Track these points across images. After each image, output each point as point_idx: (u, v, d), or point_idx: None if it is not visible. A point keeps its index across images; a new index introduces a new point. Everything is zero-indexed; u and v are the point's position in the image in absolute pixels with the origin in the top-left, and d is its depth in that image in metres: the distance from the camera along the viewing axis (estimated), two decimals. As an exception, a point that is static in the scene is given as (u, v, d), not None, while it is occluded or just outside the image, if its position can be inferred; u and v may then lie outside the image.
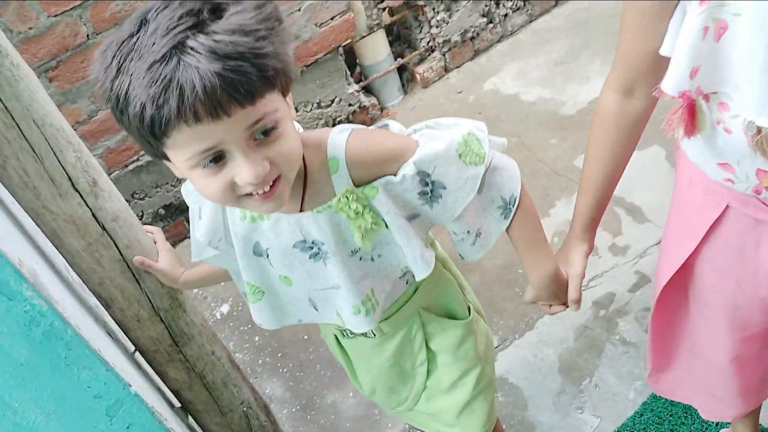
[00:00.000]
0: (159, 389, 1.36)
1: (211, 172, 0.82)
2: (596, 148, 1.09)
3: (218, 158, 0.81)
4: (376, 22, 2.71)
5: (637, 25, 0.93)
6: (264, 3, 0.80)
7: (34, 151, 1.03)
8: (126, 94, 0.76)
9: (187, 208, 2.36)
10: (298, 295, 1.09)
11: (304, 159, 0.93)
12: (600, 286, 2.04)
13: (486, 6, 2.97)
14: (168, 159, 0.85)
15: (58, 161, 1.06)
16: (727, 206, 1.02)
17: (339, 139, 0.95)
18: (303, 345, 2.20)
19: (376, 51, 2.78)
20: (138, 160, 2.42)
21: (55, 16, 2.09)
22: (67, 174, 1.08)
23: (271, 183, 0.84)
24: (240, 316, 2.36)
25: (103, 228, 1.15)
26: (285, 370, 2.15)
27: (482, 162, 1.00)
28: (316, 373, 2.10)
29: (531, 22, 3.16)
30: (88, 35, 2.16)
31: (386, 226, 0.98)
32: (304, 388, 2.07)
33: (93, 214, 1.13)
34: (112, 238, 1.17)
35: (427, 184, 0.98)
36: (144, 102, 0.75)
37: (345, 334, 1.21)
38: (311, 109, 2.70)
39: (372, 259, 1.04)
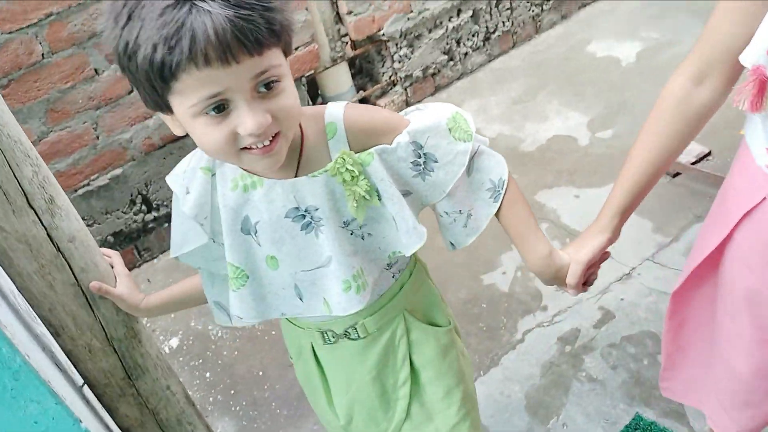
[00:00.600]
0: (108, 427, 1.26)
1: (214, 121, 0.83)
2: (651, 131, 1.06)
3: (221, 107, 0.82)
4: (340, 54, 2.70)
5: (729, 17, 0.93)
6: None
7: (-13, 163, 0.95)
8: (136, 38, 0.78)
9: (137, 236, 2.26)
10: (283, 280, 1.04)
11: (300, 127, 0.95)
12: (564, 322, 2.03)
13: (447, 44, 2.99)
14: (170, 110, 0.85)
15: (14, 175, 0.99)
16: (765, 198, 0.98)
17: (336, 107, 0.98)
18: (257, 382, 2.10)
19: (339, 83, 2.76)
20: (88, 184, 2.32)
21: (10, 33, 2.00)
22: (23, 189, 1.00)
23: (271, 138, 0.85)
24: (190, 350, 2.26)
25: (58, 249, 1.07)
26: (238, 408, 2.05)
27: (470, 139, 1.03)
28: (271, 411, 2.01)
29: (490, 61, 3.20)
30: (43, 54, 2.08)
31: (378, 198, 0.99)
32: (259, 428, 1.97)
33: (48, 234, 1.05)
34: (66, 260, 1.09)
35: (419, 156, 1.01)
36: (156, 43, 0.76)
37: (326, 338, 1.14)
38: (271, 139, 2.65)
39: (362, 238, 1.03)
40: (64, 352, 1.17)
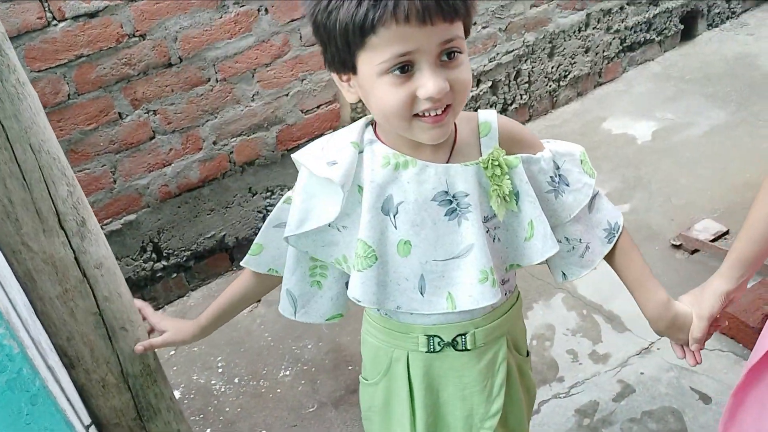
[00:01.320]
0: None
1: (398, 80, 0.88)
2: None
3: (405, 68, 0.87)
4: (361, 115, 2.72)
5: None
6: None
7: (24, 179, 0.93)
8: None
9: (145, 284, 2.22)
10: (411, 269, 1.04)
11: (455, 123, 1.00)
12: (582, 394, 1.96)
13: (465, 112, 3.02)
14: (353, 70, 0.91)
15: (49, 193, 0.96)
16: None
17: (489, 112, 1.05)
18: (260, 440, 2.02)
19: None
20: (102, 228, 2.28)
21: (39, 71, 2.02)
22: (56, 209, 0.97)
23: (443, 109, 0.90)
24: (191, 405, 2.17)
25: (84, 274, 1.03)
26: (238, 467, 1.96)
27: (594, 176, 1.12)
28: (273, 472, 1.92)
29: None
30: (69, 95, 2.09)
31: (516, 203, 1.04)
32: (259, 489, 1.88)
33: (75, 257, 1.01)
34: (91, 287, 1.05)
35: (555, 175, 1.08)
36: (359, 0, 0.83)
37: (431, 344, 1.12)
38: (287, 194, 2.64)
39: (493, 240, 1.07)
40: (77, 387, 1.11)
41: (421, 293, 1.05)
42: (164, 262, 2.45)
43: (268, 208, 2.61)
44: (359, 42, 0.86)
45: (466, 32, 0.92)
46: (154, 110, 2.24)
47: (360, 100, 0.98)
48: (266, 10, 2.33)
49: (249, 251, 1.17)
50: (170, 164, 2.34)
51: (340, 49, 0.89)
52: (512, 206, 1.04)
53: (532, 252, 1.07)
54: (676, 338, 1.18)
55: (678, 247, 2.44)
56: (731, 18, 3.85)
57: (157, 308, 2.49)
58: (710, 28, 3.79)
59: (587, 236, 1.12)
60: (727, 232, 2.46)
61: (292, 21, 2.39)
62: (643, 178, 2.82)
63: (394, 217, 1.01)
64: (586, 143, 3.21)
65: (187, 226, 2.46)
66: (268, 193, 2.60)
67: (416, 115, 0.91)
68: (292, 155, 1.07)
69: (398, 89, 0.88)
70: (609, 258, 1.16)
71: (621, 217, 1.15)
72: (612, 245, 1.13)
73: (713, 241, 2.43)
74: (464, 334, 1.11)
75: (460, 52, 0.90)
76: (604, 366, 2.04)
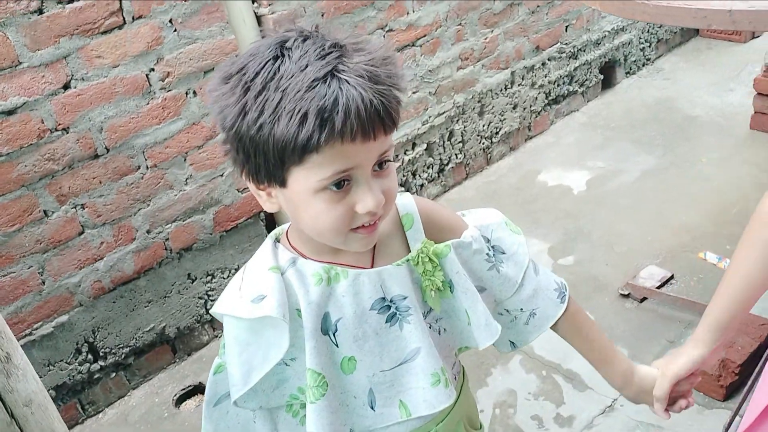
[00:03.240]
0: None
1: (335, 197, 0.84)
2: (747, 249, 1.05)
3: (341, 184, 0.84)
4: (298, 188, 2.67)
5: None
6: (390, 51, 0.86)
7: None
8: (276, 107, 0.78)
9: (82, 388, 2.07)
10: (358, 385, 0.99)
11: None
12: (552, 462, 1.91)
13: (404, 176, 3.02)
14: (281, 184, 0.85)
15: (-33, 332, 0.86)
16: None
17: (406, 199, 1.01)
18: None
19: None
20: (30, 334, 2.14)
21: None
22: (-24, 348, 0.88)
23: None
24: None
25: (12, 415, 0.93)
26: None
27: (521, 233, 1.09)
28: None
29: (445, 192, 3.24)
30: None
31: (451, 291, 1.00)
32: None
33: (1, 398, 0.91)
34: (20, 428, 0.94)
35: (489, 249, 1.04)
36: (307, 113, 0.77)
37: None
38: (228, 276, 2.54)
39: (438, 333, 1.03)
40: None
41: (372, 408, 0.99)
42: (101, 362, 2.31)
43: (210, 293, 2.51)
44: (297, 159, 0.81)
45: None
46: (82, 204, 2.14)
47: (279, 210, 0.91)
48: (194, 92, 2.28)
49: None
50: (102, 258, 2.22)
51: (270, 163, 0.83)
52: (447, 295, 1.01)
53: (472, 337, 1.05)
54: (648, 402, 1.18)
55: (626, 296, 2.46)
56: (647, 65, 4.02)
57: (96, 412, 2.33)
58: (628, 75, 3.94)
59: (533, 302, 1.10)
60: (672, 277, 2.49)
61: (221, 101, 2.34)
62: (583, 228, 2.85)
63: (334, 335, 0.95)
64: (524, 197, 3.25)
65: (124, 322, 2.33)
66: (209, 278, 2.50)
67: (351, 228, 0.88)
68: (210, 311, 1.00)
69: (335, 205, 0.85)
70: (564, 333, 1.14)
71: (563, 279, 1.14)
72: (565, 305, 1.11)
73: (660, 287, 2.45)
74: None
75: (390, 161, 0.88)
76: (570, 429, 2.00)
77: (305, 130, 0.78)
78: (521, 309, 1.09)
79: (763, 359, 2.06)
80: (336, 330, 0.95)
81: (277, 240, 0.98)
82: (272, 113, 0.78)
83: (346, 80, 0.79)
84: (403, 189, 3.03)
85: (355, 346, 0.96)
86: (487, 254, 1.04)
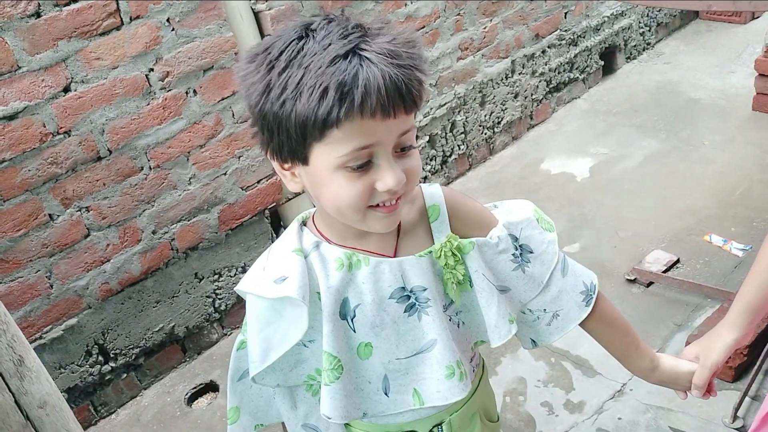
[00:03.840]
0: None
1: (354, 175, 0.85)
2: None
3: (363, 164, 0.84)
4: (302, 184, 2.67)
5: None
6: (414, 35, 0.87)
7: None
8: (299, 83, 0.79)
9: (94, 390, 2.08)
10: (373, 371, 1.00)
11: None
12: (563, 449, 1.91)
13: (406, 168, 3.01)
14: (303, 161, 0.86)
15: (-22, 335, 0.87)
16: None
17: (434, 189, 1.01)
18: None
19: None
20: (41, 337, 2.15)
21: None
22: (-12, 351, 0.88)
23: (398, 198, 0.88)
24: None
25: (27, 417, 0.93)
26: None
27: (554, 230, 1.07)
28: None
29: (449, 183, 3.23)
30: (-8, 201, 1.97)
31: (470, 285, 1.00)
32: None
33: (16, 401, 0.92)
34: (36, 431, 0.95)
35: (516, 248, 1.02)
36: (327, 88, 0.78)
37: None
38: (235, 274, 2.55)
39: (458, 326, 1.03)
40: None
41: (386, 394, 1.01)
42: (112, 364, 2.32)
43: (217, 291, 2.51)
44: (318, 134, 0.82)
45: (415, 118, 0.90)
46: (86, 207, 2.14)
47: (302, 191, 0.93)
48: (194, 91, 2.28)
49: (228, 420, 1.08)
50: (109, 260, 2.23)
51: (293, 140, 0.84)
52: (466, 288, 1.01)
53: (490, 334, 1.04)
54: (672, 387, 1.19)
55: (633, 281, 2.45)
56: (647, 49, 4.00)
57: (109, 413, 2.34)
58: (629, 60, 3.93)
59: (556, 304, 1.07)
60: (678, 261, 2.49)
61: (222, 99, 2.34)
62: (588, 215, 2.85)
63: (352, 320, 0.96)
64: (528, 186, 3.25)
65: (133, 323, 2.34)
66: (216, 276, 2.51)
67: (370, 206, 0.88)
68: (234, 288, 1.01)
69: (356, 182, 0.85)
70: (589, 329, 1.11)
71: (595, 276, 1.11)
72: (590, 308, 1.08)
73: (666, 271, 2.45)
74: (440, 424, 1.08)
75: (412, 145, 0.88)
76: (580, 415, 2.01)
77: (325, 104, 0.78)
78: (544, 310, 1.07)
79: (771, 340, 2.06)
80: (354, 315, 0.96)
81: (304, 223, 1.00)
82: (294, 89, 0.80)
83: (368, 58, 0.79)
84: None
85: (372, 333, 0.97)
86: (513, 254, 1.02)
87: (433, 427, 1.07)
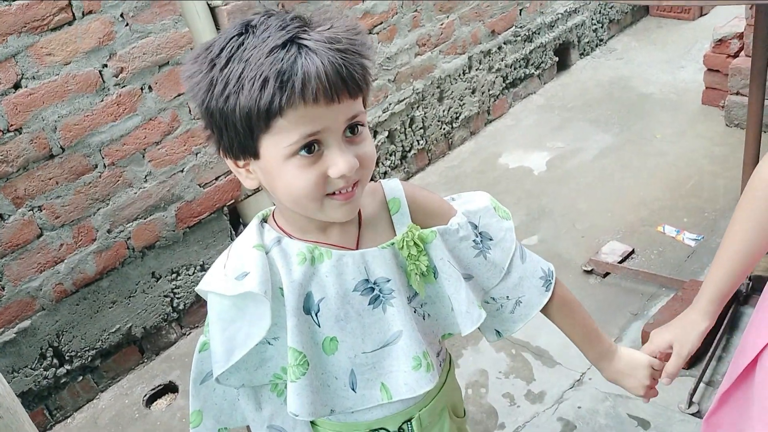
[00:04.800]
0: None
1: (306, 162, 0.84)
2: (744, 217, 1.06)
3: (312, 148, 0.84)
4: (261, 181, 2.65)
5: None
6: (356, 23, 0.88)
7: None
8: (239, 77, 0.80)
9: (48, 394, 2.03)
10: (339, 366, 0.99)
11: None
12: (525, 438, 1.94)
13: (366, 164, 3.01)
14: (254, 155, 0.86)
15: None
16: None
17: (393, 183, 1.02)
18: None
19: (261, 210, 2.69)
20: (-8, 341, 2.09)
21: None
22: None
23: (353, 184, 0.88)
24: None
25: (-19, 420, 0.91)
26: None
27: (510, 218, 1.09)
28: None
29: (408, 178, 3.25)
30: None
31: (435, 276, 1.01)
32: None
33: (-32, 403, 0.89)
34: (-10, 433, 0.92)
35: (477, 236, 1.04)
36: (267, 79, 0.79)
37: None
38: (194, 272, 2.51)
39: (423, 318, 1.03)
40: None
41: (353, 389, 1.00)
42: (67, 366, 2.26)
43: (175, 291, 2.48)
44: (263, 126, 0.82)
45: (365, 104, 0.90)
46: (39, 206, 2.09)
47: (259, 188, 0.92)
48: (150, 87, 2.24)
49: (191, 423, 1.06)
50: (63, 260, 2.18)
51: (241, 134, 0.84)
52: (431, 281, 1.02)
53: (460, 322, 1.04)
54: (626, 384, 1.19)
55: (590, 272, 2.50)
56: (600, 45, 4.08)
57: (65, 417, 2.29)
58: (582, 56, 4.00)
59: (518, 291, 1.09)
60: (633, 251, 2.55)
61: (178, 95, 2.31)
62: (545, 207, 2.89)
63: (316, 315, 0.95)
64: (487, 180, 3.28)
65: (89, 324, 2.29)
66: (174, 275, 2.47)
67: (328, 194, 0.88)
68: (195, 288, 1.00)
69: (308, 170, 0.85)
70: (550, 314, 1.14)
71: (551, 264, 1.14)
72: (551, 293, 1.10)
73: (621, 262, 2.50)
74: (410, 420, 1.07)
75: (363, 125, 0.88)
76: (541, 405, 2.04)
77: (266, 94, 0.79)
78: (507, 297, 1.09)
79: (722, 327, 2.12)
80: (318, 310, 0.95)
81: (264, 220, 0.99)
82: (236, 83, 0.80)
83: (306, 45, 0.80)
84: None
85: (337, 327, 0.96)
86: (474, 241, 1.04)
87: (403, 423, 1.07)
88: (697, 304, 1.15)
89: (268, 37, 0.81)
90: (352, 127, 0.87)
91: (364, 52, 0.85)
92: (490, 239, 1.06)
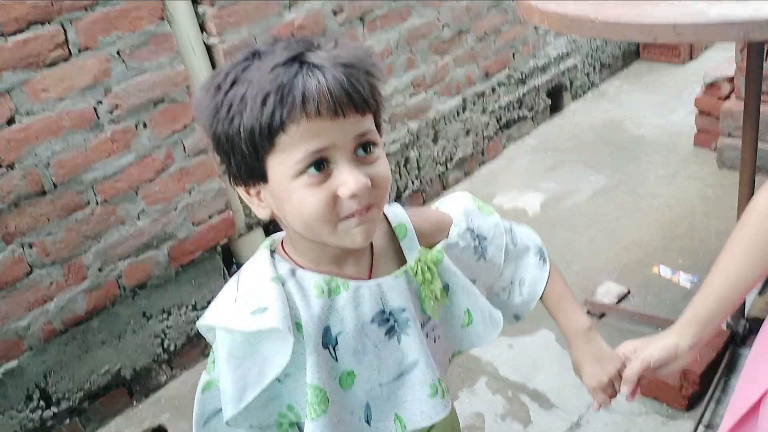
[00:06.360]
0: None
1: (315, 180, 0.82)
2: (737, 246, 1.05)
3: (322, 165, 0.82)
4: (255, 220, 2.63)
5: None
6: (364, 47, 0.88)
7: None
8: (243, 96, 0.79)
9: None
10: (355, 400, 0.96)
11: None
12: (523, 483, 1.89)
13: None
14: (263, 179, 0.85)
15: None
16: None
17: (397, 209, 1.01)
18: None
19: (255, 249, 2.65)
20: (-23, 381, 2.03)
21: None
22: None
23: (367, 207, 0.84)
24: None
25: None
26: None
27: (493, 212, 1.10)
28: None
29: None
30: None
31: (447, 296, 1.01)
32: None
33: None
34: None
35: (475, 239, 1.05)
36: (267, 94, 0.78)
37: None
38: (185, 312, 2.47)
39: (434, 341, 1.02)
40: None
41: (368, 422, 0.97)
42: (54, 409, 2.21)
43: (166, 331, 2.44)
44: (267, 145, 0.80)
45: (378, 128, 0.88)
46: (29, 243, 2.06)
47: (272, 219, 0.90)
48: (144, 124, 2.24)
49: None
50: (52, 299, 2.14)
51: (247, 157, 0.82)
52: (444, 302, 1.02)
53: (473, 337, 1.07)
54: (588, 371, 1.14)
55: (586, 313, 2.47)
56: (592, 88, 4.13)
57: (49, 461, 2.22)
58: (575, 99, 4.04)
59: (519, 273, 1.13)
60: (628, 292, 2.53)
61: (173, 133, 2.31)
62: (540, 248, 2.87)
63: (334, 349, 0.92)
64: (480, 220, 3.26)
65: (77, 365, 2.24)
66: (165, 315, 2.43)
67: (343, 217, 0.85)
68: (198, 324, 0.94)
69: (317, 190, 0.82)
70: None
71: (535, 235, 1.17)
72: (548, 266, 1.13)
73: (617, 303, 2.48)
74: None
75: (375, 145, 0.85)
76: (539, 448, 1.99)
77: (267, 109, 0.78)
78: (511, 282, 1.12)
79: (721, 368, 2.09)
80: (336, 344, 0.92)
81: (273, 250, 0.95)
82: (239, 103, 0.79)
83: (309, 62, 0.79)
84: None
85: (355, 360, 0.94)
86: (474, 247, 1.05)
87: None
88: (673, 325, 1.13)
89: (273, 57, 0.80)
90: (365, 146, 0.84)
91: (371, 70, 0.84)
92: (485, 238, 1.07)
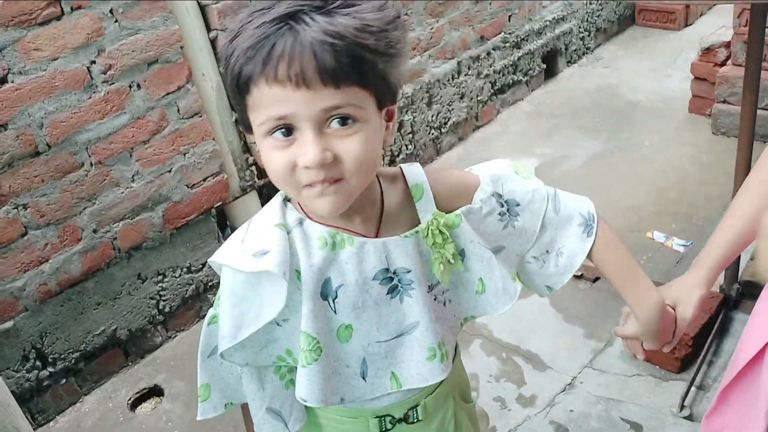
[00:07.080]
0: None
1: (279, 144, 0.81)
2: (758, 180, 1.04)
3: (289, 131, 0.80)
4: (249, 183, 2.62)
5: None
6: (389, 6, 0.81)
7: None
8: (233, 48, 0.79)
9: (31, 396, 1.96)
10: (352, 354, 0.97)
11: (381, 187, 0.95)
12: (517, 442, 1.92)
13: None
14: (250, 129, 0.85)
15: None
16: None
17: (415, 168, 0.97)
18: None
19: (249, 213, 2.66)
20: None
21: None
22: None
23: (332, 181, 0.82)
24: None
25: (-31, 415, 0.87)
26: None
27: (533, 176, 1.04)
28: None
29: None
30: None
31: (462, 260, 0.98)
32: None
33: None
34: (-21, 429, 0.89)
35: (502, 205, 1.00)
36: (240, 53, 0.78)
37: (383, 425, 1.05)
38: (180, 274, 2.47)
39: (444, 304, 1.01)
40: None
41: (363, 378, 0.98)
42: (50, 369, 2.21)
43: (161, 293, 2.44)
44: (240, 99, 0.83)
45: (381, 102, 0.84)
46: (23, 204, 2.04)
47: (246, 190, 0.91)
48: (138, 85, 2.21)
49: (199, 398, 1.04)
50: (47, 260, 2.13)
51: (238, 107, 0.85)
52: (458, 266, 0.98)
53: (486, 305, 1.03)
54: (654, 341, 1.10)
55: (580, 277, 2.50)
56: (587, 53, 4.10)
57: (47, 420, 2.24)
58: (570, 64, 4.02)
59: (557, 243, 1.04)
60: (622, 257, 2.54)
61: (167, 94, 2.28)
62: (534, 213, 2.88)
63: (333, 301, 0.93)
64: (475, 185, 3.26)
65: (73, 326, 2.24)
66: (160, 277, 2.43)
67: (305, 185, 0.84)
68: (208, 260, 0.96)
69: (279, 153, 0.82)
70: (595, 258, 1.07)
71: (592, 204, 1.07)
72: (593, 239, 1.03)
73: (611, 267, 2.50)
74: (416, 406, 1.06)
75: (354, 120, 0.80)
76: (533, 409, 2.02)
77: (237, 68, 0.79)
78: (547, 251, 1.04)
79: (713, 331, 2.12)
80: (336, 296, 0.93)
81: (287, 199, 0.96)
82: (229, 54, 0.80)
83: (297, 24, 0.76)
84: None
85: (354, 315, 0.94)
86: (500, 213, 0.99)
87: (409, 410, 1.06)
88: (699, 271, 1.11)
89: (270, 13, 0.78)
90: (343, 119, 0.80)
91: (371, 44, 0.78)
92: (518, 205, 1.01)
